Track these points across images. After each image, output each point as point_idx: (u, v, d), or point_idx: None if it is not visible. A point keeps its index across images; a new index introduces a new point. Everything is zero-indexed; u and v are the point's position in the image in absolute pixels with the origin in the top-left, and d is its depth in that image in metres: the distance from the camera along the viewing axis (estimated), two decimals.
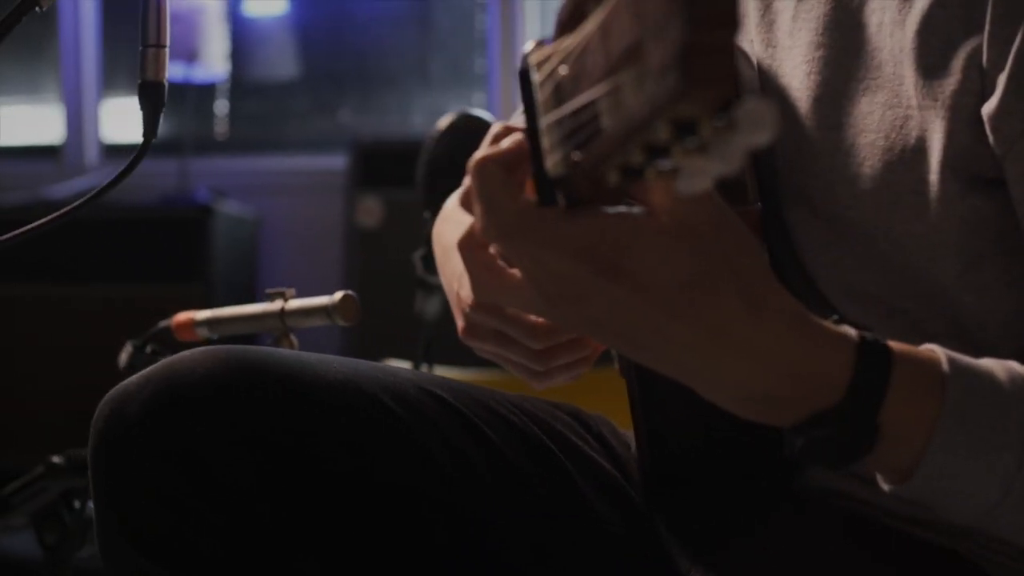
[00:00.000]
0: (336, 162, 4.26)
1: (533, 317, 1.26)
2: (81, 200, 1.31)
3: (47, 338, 4.11)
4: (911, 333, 1.07)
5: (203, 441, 1.10)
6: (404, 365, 1.93)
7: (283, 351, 1.18)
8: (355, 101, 4.83)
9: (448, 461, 1.17)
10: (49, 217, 1.30)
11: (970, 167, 1.02)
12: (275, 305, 1.46)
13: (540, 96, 0.83)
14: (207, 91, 4.69)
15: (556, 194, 0.83)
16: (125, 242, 4.07)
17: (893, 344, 0.89)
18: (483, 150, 0.89)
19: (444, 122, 1.87)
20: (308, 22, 4.82)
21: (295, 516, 1.11)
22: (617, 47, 0.69)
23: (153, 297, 4.07)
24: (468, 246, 1.05)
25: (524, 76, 0.87)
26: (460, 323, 1.31)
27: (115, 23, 4.82)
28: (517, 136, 0.90)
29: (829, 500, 1.15)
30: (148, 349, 1.57)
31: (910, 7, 1.04)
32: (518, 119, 1.53)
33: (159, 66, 1.30)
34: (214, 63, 4.35)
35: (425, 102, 4.73)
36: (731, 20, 0.64)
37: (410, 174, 3.97)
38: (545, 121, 0.82)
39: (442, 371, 2.01)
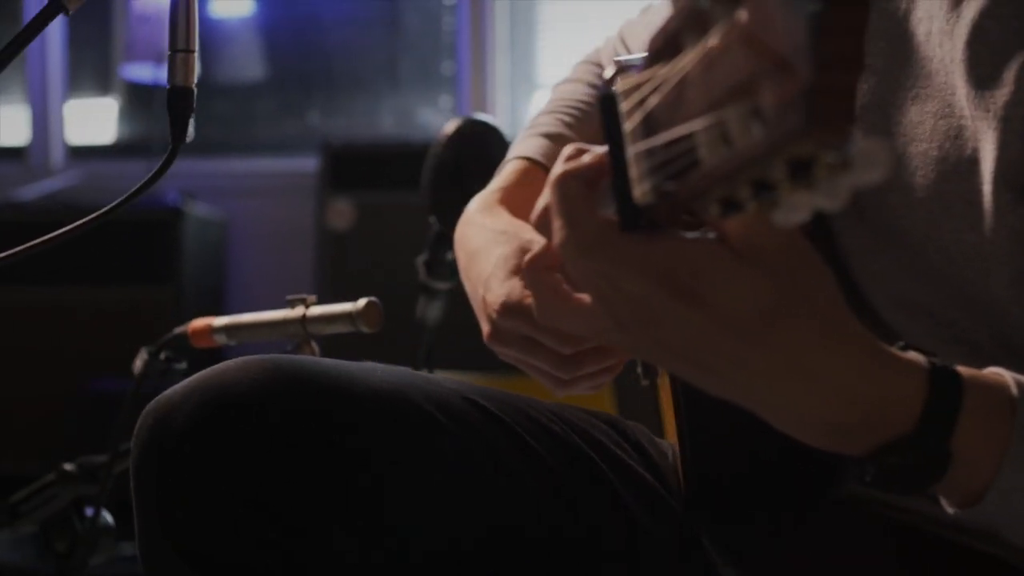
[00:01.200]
0: (306, 164, 4.24)
1: None
2: (112, 205, 1.30)
3: (14, 341, 4.07)
4: (956, 344, 1.07)
5: (252, 451, 1.09)
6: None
7: (326, 360, 1.17)
8: (323, 103, 4.81)
9: (493, 471, 1.16)
10: (82, 221, 1.29)
11: (1021, 178, 1.02)
12: (296, 312, 1.45)
13: (628, 125, 0.82)
14: None
15: (640, 222, 0.83)
16: (93, 244, 4.03)
17: (961, 369, 0.89)
18: (562, 165, 0.88)
19: (450, 127, 1.86)
20: (274, 23, 4.80)
21: (342, 527, 1.10)
22: (724, 81, 0.69)
23: (122, 300, 4.04)
24: (535, 268, 1.04)
25: (608, 103, 0.86)
26: (486, 328, 1.31)
27: (80, 24, 4.78)
28: (597, 152, 0.89)
29: (874, 510, 1.15)
30: (162, 356, 1.55)
31: (958, 17, 1.04)
32: (543, 122, 1.53)
33: (188, 71, 1.30)
34: None
35: (393, 104, 4.72)
36: (856, 63, 0.64)
37: (382, 176, 3.99)
38: (633, 150, 0.81)
39: (442, 375, 2.01)
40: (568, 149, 0.90)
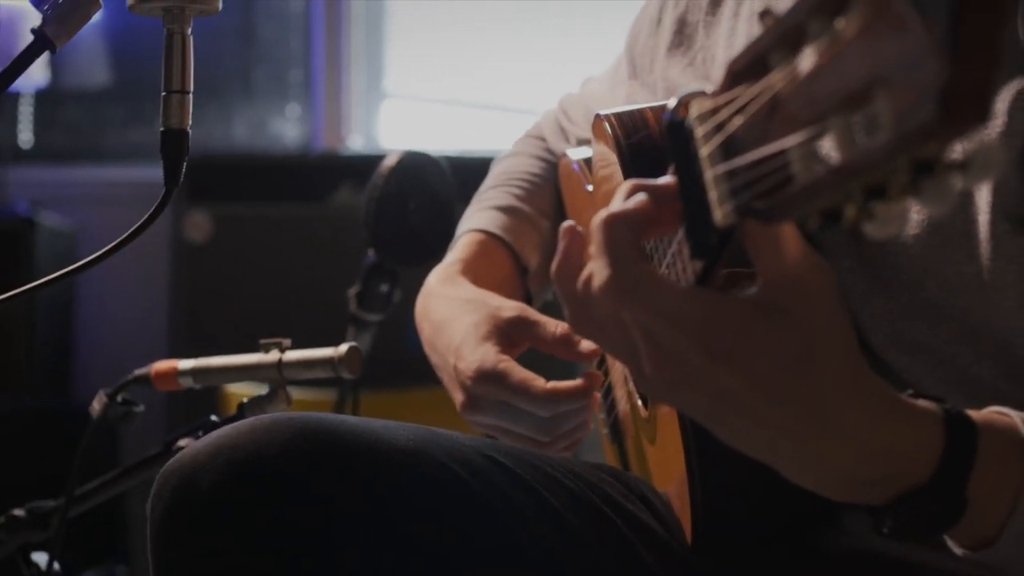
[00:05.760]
0: (160, 174, 4.13)
1: (540, 383, 1.26)
2: (106, 249, 1.26)
3: None
4: (958, 381, 1.10)
5: (283, 514, 1.08)
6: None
7: (350, 418, 1.16)
8: None
9: (516, 529, 1.16)
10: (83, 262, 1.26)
11: (1016, 207, 1.05)
12: (271, 356, 1.42)
13: (704, 149, 0.83)
14: (23, 99, 4.52)
15: (715, 244, 0.83)
16: None
17: (973, 414, 0.92)
18: (611, 207, 0.88)
19: (391, 160, 1.84)
20: (122, 28, 4.67)
21: None
22: (829, 93, 0.69)
23: None
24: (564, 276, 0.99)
25: (676, 129, 0.86)
26: (460, 397, 1.31)
27: None
28: (641, 197, 0.89)
29: (879, 559, 1.17)
30: (119, 398, 1.51)
31: None
32: (493, 195, 1.53)
33: (183, 113, 1.26)
34: (32, 70, 4.19)
35: (247, 114, 4.64)
36: (992, 58, 0.63)
37: (240, 188, 3.91)
38: (712, 173, 0.82)
39: (369, 398, 1.99)
40: (627, 185, 0.90)
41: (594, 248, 0.87)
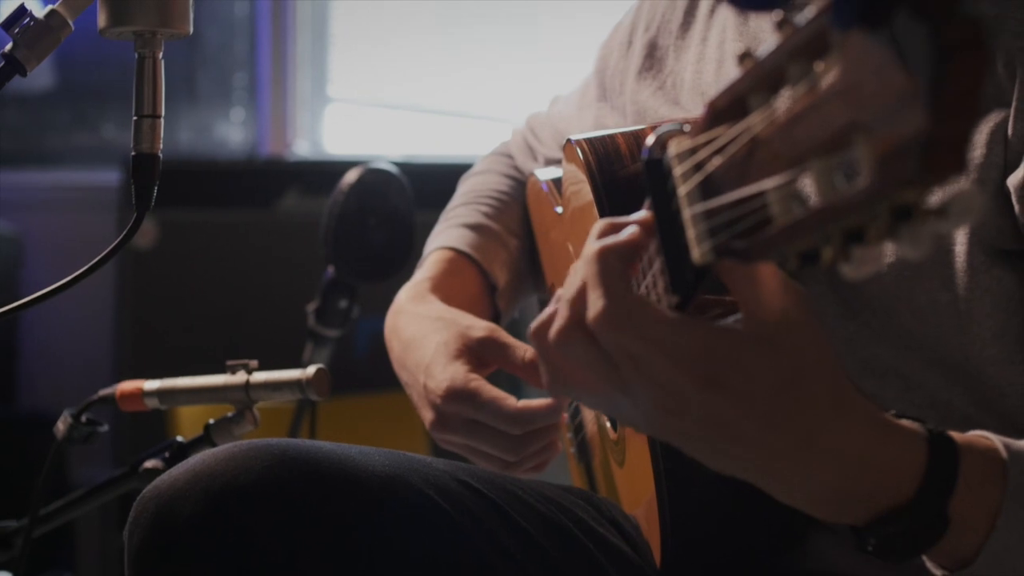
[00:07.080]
0: (106, 178, 4.11)
1: (512, 401, 1.27)
2: (72, 277, 1.25)
3: None
4: (929, 406, 1.12)
5: (262, 541, 1.08)
6: None
7: (326, 444, 1.16)
8: (117, 115, 4.67)
9: (487, 551, 1.17)
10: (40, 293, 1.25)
11: (993, 239, 1.07)
12: (238, 378, 1.42)
13: (683, 188, 0.83)
14: None
15: (692, 280, 0.84)
16: None
17: (955, 435, 0.94)
18: (601, 240, 0.89)
19: (352, 176, 1.84)
20: None
21: None
22: (813, 135, 0.70)
23: None
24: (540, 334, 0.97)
25: (655, 167, 0.87)
26: (429, 415, 1.31)
27: None
28: (633, 229, 0.90)
29: None
30: (83, 418, 1.50)
31: None
32: (461, 213, 1.53)
33: (155, 137, 1.26)
34: None
35: (191, 118, 4.62)
36: (971, 111, 0.64)
37: (186, 193, 3.89)
38: (691, 212, 0.82)
39: (325, 405, 1.98)
40: (602, 224, 0.91)
41: (587, 281, 0.88)
